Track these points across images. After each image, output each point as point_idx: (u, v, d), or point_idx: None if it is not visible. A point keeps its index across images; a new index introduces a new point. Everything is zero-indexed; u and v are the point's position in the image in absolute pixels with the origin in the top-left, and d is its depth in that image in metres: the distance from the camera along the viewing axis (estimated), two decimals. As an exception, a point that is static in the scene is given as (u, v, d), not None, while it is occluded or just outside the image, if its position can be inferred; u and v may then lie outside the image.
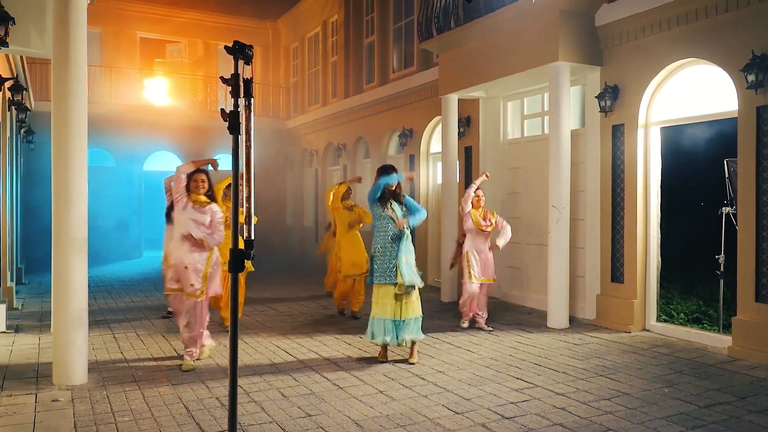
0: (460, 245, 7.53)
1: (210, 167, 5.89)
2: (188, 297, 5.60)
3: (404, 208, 5.95)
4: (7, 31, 5.63)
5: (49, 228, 5.09)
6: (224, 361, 5.84)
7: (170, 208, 7.78)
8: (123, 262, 14.67)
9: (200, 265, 5.60)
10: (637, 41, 7.15)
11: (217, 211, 5.76)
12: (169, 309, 8.10)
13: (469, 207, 7.33)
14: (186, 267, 5.56)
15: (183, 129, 16.39)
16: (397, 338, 5.75)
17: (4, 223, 8.52)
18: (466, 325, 7.36)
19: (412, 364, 5.74)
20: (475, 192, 7.38)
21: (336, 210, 8.19)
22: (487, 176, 7.68)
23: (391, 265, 5.73)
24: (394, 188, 5.91)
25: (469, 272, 7.23)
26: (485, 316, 7.38)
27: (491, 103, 9.71)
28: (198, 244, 5.59)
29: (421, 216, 5.95)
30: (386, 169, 5.95)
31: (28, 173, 13.51)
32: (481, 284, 7.28)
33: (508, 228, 7.39)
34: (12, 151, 9.87)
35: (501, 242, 7.27)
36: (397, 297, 5.75)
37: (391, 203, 5.88)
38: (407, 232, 5.87)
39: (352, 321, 7.83)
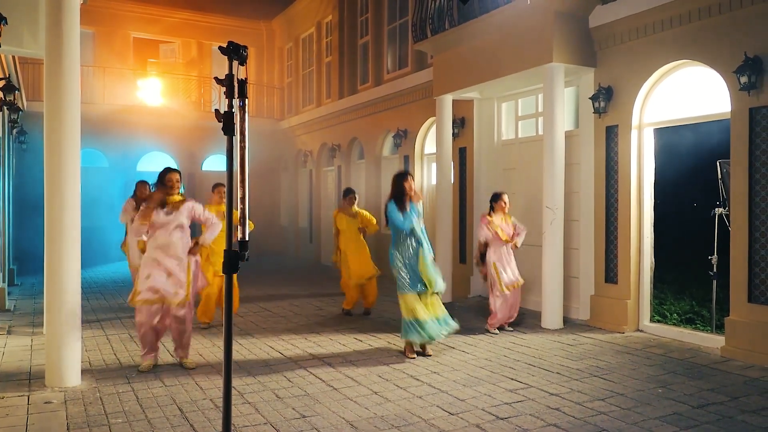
0: (482, 254, 7.41)
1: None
2: (175, 306, 5.41)
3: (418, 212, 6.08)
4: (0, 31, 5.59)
5: (41, 229, 5.05)
6: (218, 361, 5.81)
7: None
8: (116, 262, 14.59)
9: (183, 268, 5.44)
10: (630, 43, 7.18)
11: (197, 205, 5.61)
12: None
13: (485, 230, 7.18)
14: (170, 274, 5.37)
15: (176, 130, 16.33)
16: (436, 334, 5.97)
17: (-3, 224, 8.48)
18: (497, 332, 7.16)
19: (429, 355, 6.05)
20: (501, 197, 7.28)
21: (340, 221, 8.24)
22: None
23: (417, 275, 5.92)
24: (411, 191, 6.01)
25: (500, 284, 7.14)
26: (514, 316, 7.35)
27: (486, 104, 9.73)
28: (188, 251, 5.51)
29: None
30: (403, 176, 6.06)
31: (20, 174, 13.42)
32: (512, 290, 7.24)
33: (524, 231, 7.36)
34: (4, 152, 9.82)
35: (519, 241, 7.30)
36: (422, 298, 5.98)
37: (411, 206, 6.01)
38: (424, 234, 6.03)
39: (346, 323, 7.82)
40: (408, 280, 5.93)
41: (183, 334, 5.57)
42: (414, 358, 5.93)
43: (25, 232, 12.92)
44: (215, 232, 5.70)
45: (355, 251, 8.14)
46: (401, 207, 5.98)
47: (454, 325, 6.06)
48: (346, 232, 8.19)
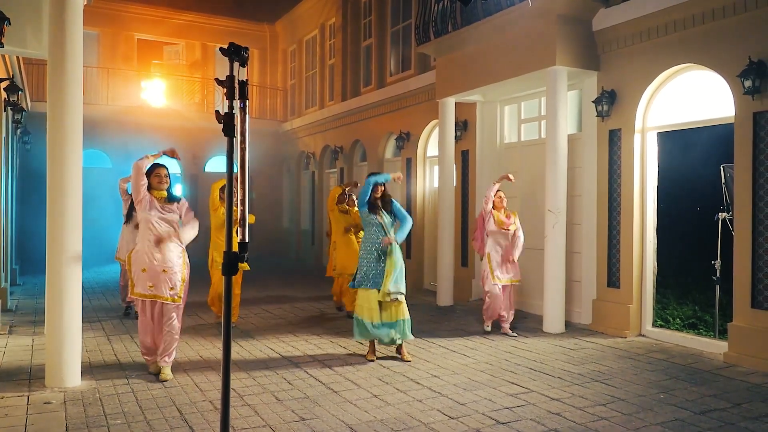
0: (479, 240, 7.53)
1: (166, 157, 5.41)
2: (165, 302, 5.23)
3: (393, 216, 6.09)
4: (3, 32, 5.59)
5: (44, 229, 5.05)
6: (218, 362, 5.80)
7: (132, 208, 7.88)
8: (119, 262, 14.58)
9: (178, 268, 5.27)
10: (634, 46, 7.16)
11: (185, 204, 5.42)
12: (124, 304, 8.34)
13: (490, 206, 7.30)
14: (164, 270, 5.19)
15: (180, 131, 16.34)
16: (385, 337, 5.88)
17: (0, 224, 8.49)
18: (488, 328, 7.34)
19: (408, 361, 5.90)
20: (496, 193, 7.32)
21: (332, 212, 8.41)
22: (509, 179, 7.44)
23: (376, 272, 5.90)
24: (382, 195, 6.03)
25: (492, 274, 7.18)
26: (510, 319, 7.31)
27: (488, 107, 9.71)
28: (174, 244, 5.31)
29: (407, 227, 6.06)
30: (374, 174, 6.11)
31: (24, 174, 13.45)
32: (504, 286, 7.24)
33: (521, 238, 7.31)
34: (8, 152, 9.83)
35: (516, 254, 7.27)
36: (381, 303, 5.89)
37: (381, 210, 6.01)
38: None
39: (348, 323, 7.80)
40: (365, 276, 5.93)
41: (170, 336, 5.26)
42: (373, 360, 5.96)
43: (28, 232, 12.94)
44: (189, 232, 5.42)
45: (343, 244, 8.25)
46: (372, 208, 6.01)
47: (406, 335, 6.01)
48: (335, 225, 8.40)
